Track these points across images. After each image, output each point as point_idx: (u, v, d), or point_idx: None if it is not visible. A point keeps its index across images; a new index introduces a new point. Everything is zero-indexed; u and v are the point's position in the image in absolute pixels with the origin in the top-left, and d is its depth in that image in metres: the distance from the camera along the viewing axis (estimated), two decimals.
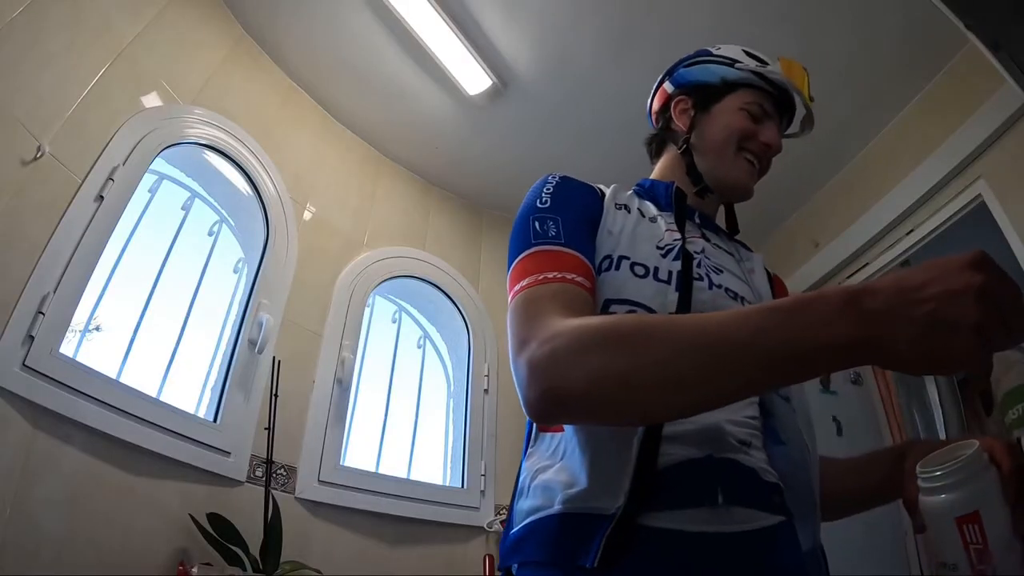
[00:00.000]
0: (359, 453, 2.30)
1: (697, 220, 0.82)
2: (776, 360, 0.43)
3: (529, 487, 0.62)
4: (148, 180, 1.91)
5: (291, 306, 2.18)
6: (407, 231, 2.77)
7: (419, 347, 2.77)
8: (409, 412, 2.57)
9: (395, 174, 2.85)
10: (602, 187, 0.80)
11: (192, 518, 1.61)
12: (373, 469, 2.29)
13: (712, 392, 0.47)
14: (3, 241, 1.41)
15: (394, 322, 2.73)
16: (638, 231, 0.72)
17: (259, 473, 1.86)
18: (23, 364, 1.38)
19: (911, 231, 2.41)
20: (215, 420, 1.87)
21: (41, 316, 1.43)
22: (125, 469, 1.55)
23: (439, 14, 2.14)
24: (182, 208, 2.11)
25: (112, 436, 1.52)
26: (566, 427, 0.62)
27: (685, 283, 0.66)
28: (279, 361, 1.99)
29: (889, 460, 0.68)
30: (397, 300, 2.77)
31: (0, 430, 1.31)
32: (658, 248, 0.71)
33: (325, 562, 1.84)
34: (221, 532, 1.63)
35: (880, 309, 0.39)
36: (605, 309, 0.63)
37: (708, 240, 0.80)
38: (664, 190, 0.83)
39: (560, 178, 0.75)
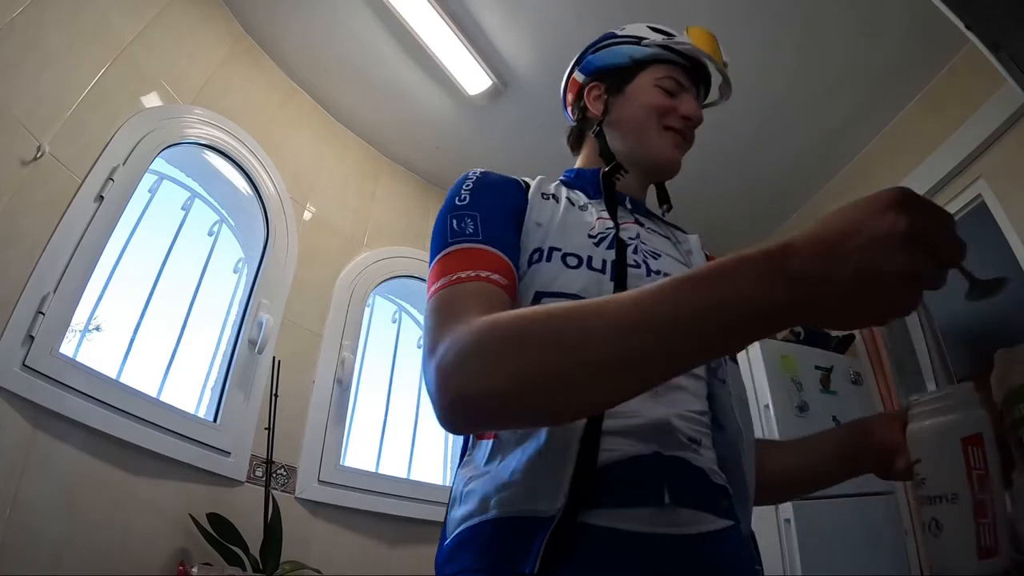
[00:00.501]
0: (359, 453, 2.30)
1: (629, 205, 0.80)
2: (708, 332, 0.40)
3: (463, 494, 0.59)
4: (148, 180, 1.91)
5: (291, 306, 2.18)
6: (407, 231, 2.77)
7: (419, 347, 2.77)
8: (409, 412, 2.57)
9: (395, 174, 2.85)
10: (527, 179, 0.77)
11: (192, 518, 1.61)
12: (373, 469, 2.29)
13: (639, 376, 0.43)
14: (3, 241, 1.41)
15: (394, 322, 2.73)
16: (568, 220, 0.70)
17: (259, 473, 1.86)
18: (23, 364, 1.38)
19: None
20: (215, 420, 1.87)
21: (41, 316, 1.43)
22: (125, 469, 1.55)
23: (439, 14, 2.14)
24: (182, 208, 2.11)
25: (112, 436, 1.52)
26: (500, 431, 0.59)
27: (620, 271, 0.64)
28: (279, 361, 1.99)
29: (846, 435, 0.67)
30: (397, 300, 2.77)
31: (0, 430, 1.31)
32: (590, 237, 0.69)
33: (325, 562, 1.84)
34: (221, 532, 1.63)
35: (805, 269, 0.37)
36: (537, 302, 0.60)
37: (642, 225, 0.78)
38: (591, 176, 0.82)
39: (480, 173, 0.73)
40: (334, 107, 2.62)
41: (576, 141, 0.91)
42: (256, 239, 2.23)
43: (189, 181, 2.16)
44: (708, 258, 0.83)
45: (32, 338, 1.41)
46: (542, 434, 0.55)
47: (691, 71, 0.85)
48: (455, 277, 0.56)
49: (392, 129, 2.72)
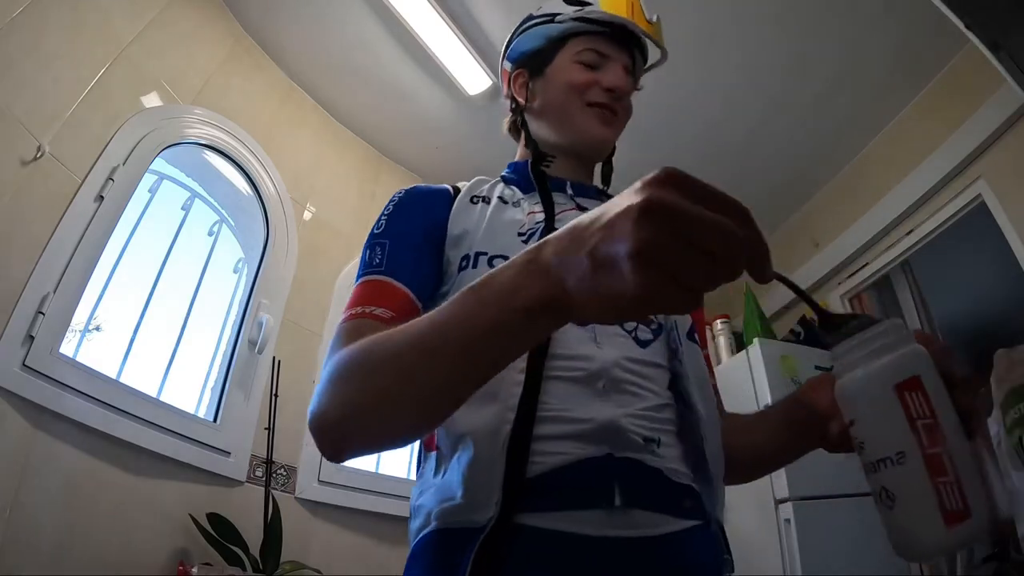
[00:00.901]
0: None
1: (570, 191, 0.77)
2: (479, 341, 0.40)
3: (414, 507, 0.60)
4: (148, 180, 1.91)
5: (291, 306, 2.18)
6: None
7: None
8: None
9: (395, 174, 2.85)
10: (461, 184, 0.77)
11: (192, 518, 1.61)
12: (373, 469, 2.29)
13: (439, 394, 0.44)
14: (3, 241, 1.41)
15: None
16: (496, 222, 0.69)
17: (259, 473, 1.86)
18: (23, 364, 1.38)
19: (911, 231, 2.41)
20: (215, 420, 1.87)
21: (41, 316, 1.43)
22: (125, 469, 1.55)
23: (439, 14, 2.14)
24: (182, 208, 2.11)
25: (112, 436, 1.52)
26: (438, 443, 0.59)
27: None
28: (279, 361, 1.99)
29: (790, 407, 0.64)
30: None
31: (0, 430, 1.31)
32: (519, 235, 0.67)
33: (325, 562, 1.84)
34: (221, 532, 1.63)
35: (553, 257, 0.34)
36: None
37: (586, 210, 0.74)
38: (523, 169, 0.79)
39: (403, 194, 0.73)
40: (334, 107, 2.62)
41: (514, 133, 0.87)
42: (256, 239, 2.23)
43: (189, 181, 2.16)
44: None
45: (32, 338, 1.41)
46: (471, 444, 0.55)
47: (616, 38, 0.78)
48: (348, 314, 0.59)
49: (392, 129, 2.72)
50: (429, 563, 0.55)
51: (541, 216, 0.69)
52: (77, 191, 1.58)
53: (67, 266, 1.52)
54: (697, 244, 0.29)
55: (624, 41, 0.79)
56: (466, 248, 0.66)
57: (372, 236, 0.68)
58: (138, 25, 1.87)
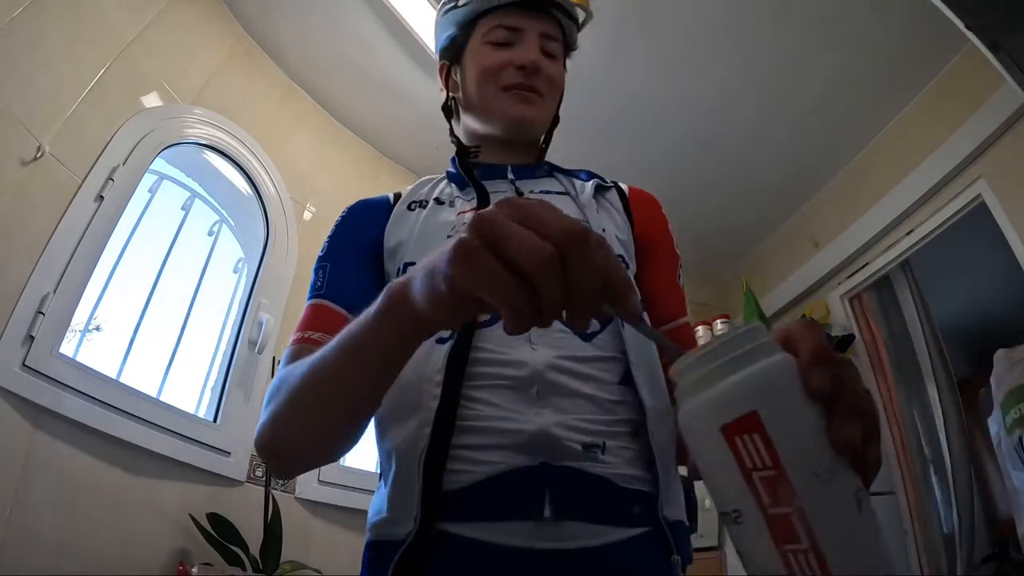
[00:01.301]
0: (359, 453, 2.30)
1: (511, 176, 0.73)
2: (346, 355, 0.46)
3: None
4: (148, 180, 1.91)
5: (291, 306, 2.18)
6: None
7: None
8: None
9: (395, 173, 2.84)
10: (406, 189, 0.76)
11: (192, 518, 1.61)
12: (373, 469, 2.29)
13: (333, 406, 0.49)
14: (3, 241, 1.41)
15: None
16: (427, 228, 0.67)
17: (259, 473, 1.86)
18: (23, 364, 1.38)
19: (911, 231, 2.41)
20: (215, 420, 1.87)
21: (41, 316, 1.43)
22: (125, 469, 1.55)
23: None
24: (182, 208, 2.11)
25: (112, 436, 1.52)
26: (379, 454, 0.61)
27: None
28: (279, 361, 1.99)
29: None
30: None
31: (0, 430, 1.31)
32: (448, 237, 0.64)
33: (325, 562, 1.84)
34: (221, 532, 1.63)
35: (409, 278, 0.39)
36: None
37: (524, 194, 0.71)
38: (452, 164, 0.76)
39: (346, 213, 0.73)
40: (334, 107, 2.62)
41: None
42: (256, 239, 2.23)
43: (189, 181, 2.16)
44: (624, 196, 0.77)
45: (32, 338, 1.41)
46: (395, 458, 0.56)
47: (527, 6, 0.73)
48: (292, 339, 0.62)
49: (392, 129, 2.72)
50: (366, 572, 0.56)
51: (471, 214, 0.65)
52: (77, 191, 1.58)
53: (67, 266, 1.52)
54: (503, 255, 0.30)
55: (537, 6, 0.74)
56: (400, 259, 0.66)
57: (318, 259, 0.69)
58: (138, 25, 1.87)
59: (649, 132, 2.55)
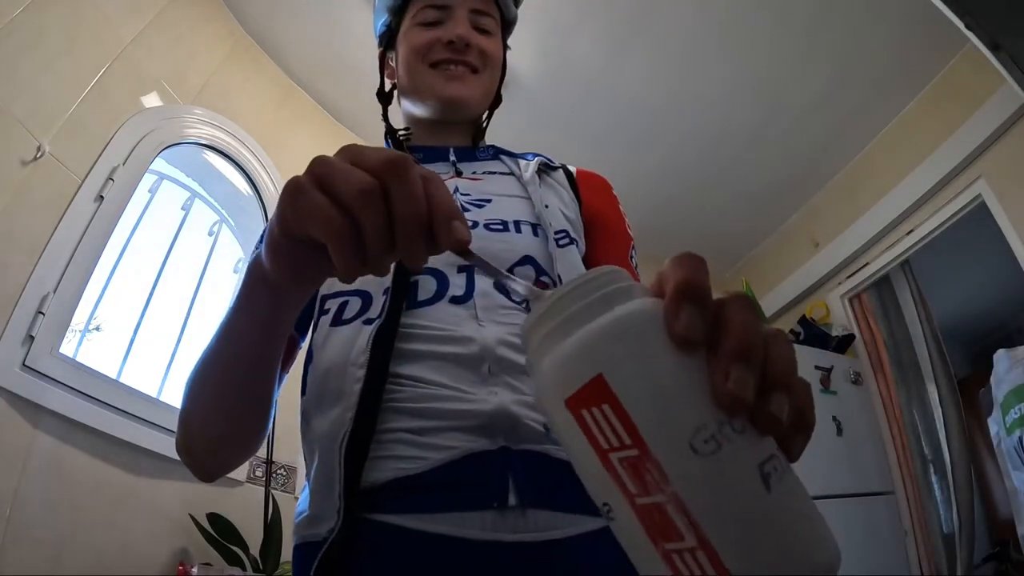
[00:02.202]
0: None
1: (452, 158, 0.72)
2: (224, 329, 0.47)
3: None
4: (148, 180, 1.91)
5: None
6: None
7: None
8: None
9: None
10: None
11: (192, 518, 1.61)
12: None
13: (230, 394, 0.50)
14: (3, 241, 1.41)
15: None
16: None
17: (259, 473, 1.86)
18: (23, 364, 1.38)
19: (911, 231, 2.41)
20: None
21: (41, 316, 1.43)
22: (125, 469, 1.55)
23: None
24: (182, 208, 2.11)
25: (112, 436, 1.52)
26: (303, 451, 0.57)
27: None
28: None
29: None
30: None
31: (0, 430, 1.31)
32: None
33: None
34: (221, 532, 1.63)
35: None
36: (321, 306, 0.59)
37: (463, 175, 0.69)
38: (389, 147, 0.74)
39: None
40: (334, 107, 2.62)
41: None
42: (256, 239, 2.22)
43: (189, 181, 2.16)
44: (571, 176, 0.75)
45: (32, 338, 1.41)
46: (317, 453, 0.51)
47: None
48: None
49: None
50: (295, 564, 0.52)
51: None
52: (77, 191, 1.58)
53: (67, 266, 1.52)
54: (327, 189, 0.30)
55: None
56: None
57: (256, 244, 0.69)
58: (138, 25, 1.87)
59: (650, 133, 2.55)
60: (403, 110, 0.77)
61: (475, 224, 0.61)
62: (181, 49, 2.03)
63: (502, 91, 0.80)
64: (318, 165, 0.30)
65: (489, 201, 0.65)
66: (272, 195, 2.26)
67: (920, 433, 2.36)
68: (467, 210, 0.63)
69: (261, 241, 0.41)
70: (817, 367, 2.36)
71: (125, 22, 1.83)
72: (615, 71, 2.31)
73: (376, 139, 2.75)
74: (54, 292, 1.47)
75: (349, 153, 0.31)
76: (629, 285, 0.24)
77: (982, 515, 2.46)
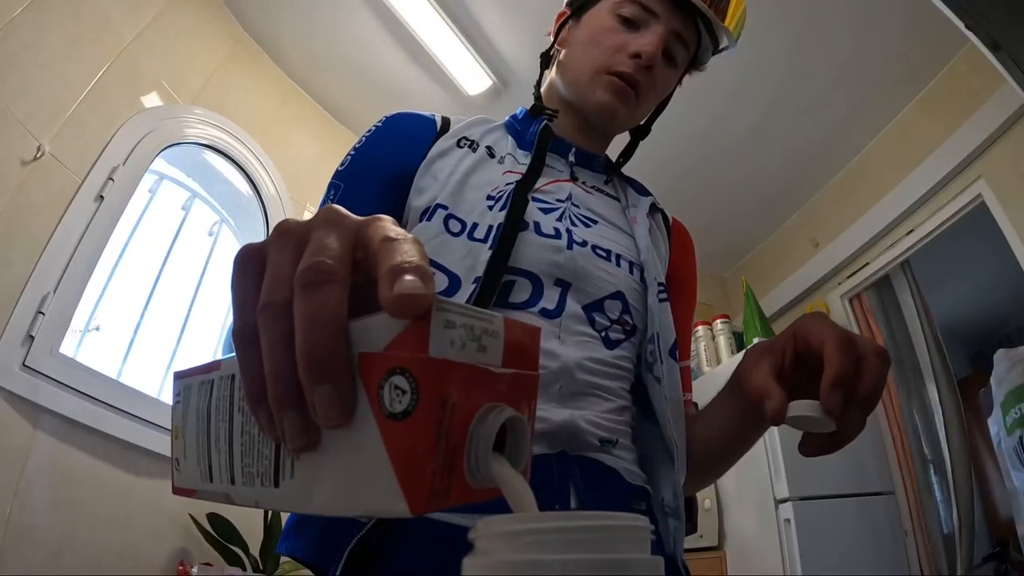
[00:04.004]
0: None
1: (572, 158, 0.68)
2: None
3: None
4: (148, 180, 1.91)
5: None
6: None
7: None
8: None
9: None
10: (459, 117, 0.68)
11: (192, 518, 1.61)
12: None
13: None
14: (3, 241, 1.41)
15: None
16: (472, 176, 0.60)
17: None
18: (23, 364, 1.38)
19: (911, 231, 2.41)
20: None
21: (41, 316, 1.43)
22: (125, 469, 1.55)
23: (439, 14, 2.14)
24: (182, 208, 2.11)
25: (112, 436, 1.52)
26: None
27: (504, 241, 0.53)
28: None
29: (736, 390, 0.54)
30: None
31: (0, 430, 1.31)
32: (489, 198, 0.58)
33: None
34: (221, 532, 1.63)
35: None
36: None
37: (577, 181, 0.67)
38: (524, 119, 0.70)
39: (381, 122, 0.66)
40: (334, 107, 2.62)
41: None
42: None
43: (189, 181, 2.16)
44: (668, 224, 0.73)
45: (32, 338, 1.41)
46: None
47: None
48: None
49: None
50: (312, 541, 0.51)
51: (516, 178, 0.60)
52: (77, 191, 1.58)
53: (67, 266, 1.52)
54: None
55: (683, 2, 0.66)
56: (430, 198, 0.58)
57: (335, 172, 0.62)
58: (138, 25, 1.87)
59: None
60: (552, 82, 0.73)
61: (584, 243, 0.59)
62: (181, 49, 2.03)
63: None
64: (271, 246, 0.24)
65: (596, 223, 0.63)
66: (272, 195, 2.26)
67: (920, 433, 2.36)
68: (575, 224, 0.61)
69: None
70: None
71: (125, 22, 1.83)
72: None
73: None
74: (54, 292, 1.47)
75: (298, 236, 0.23)
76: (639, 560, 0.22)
77: (982, 515, 2.46)
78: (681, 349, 0.66)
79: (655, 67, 0.65)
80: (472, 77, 2.37)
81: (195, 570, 1.54)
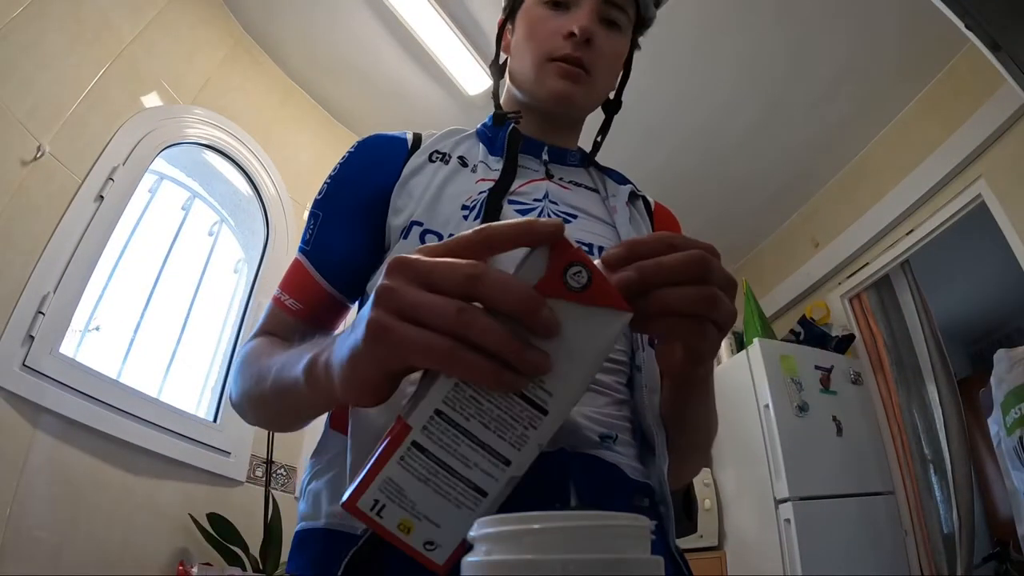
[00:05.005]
0: None
1: (545, 156, 0.67)
2: (286, 395, 0.47)
3: (305, 489, 0.56)
4: (148, 180, 1.91)
5: None
6: None
7: None
8: None
9: None
10: (431, 132, 0.69)
11: (192, 518, 1.61)
12: None
13: (281, 416, 0.55)
14: (3, 241, 1.41)
15: None
16: (446, 188, 0.61)
17: (259, 473, 1.86)
18: (23, 364, 1.38)
19: (911, 231, 2.41)
20: (215, 420, 1.87)
21: (41, 316, 1.43)
22: (125, 469, 1.55)
23: (439, 14, 2.14)
24: (182, 208, 2.11)
25: (112, 436, 1.52)
26: (349, 428, 0.54)
27: None
28: None
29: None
30: None
31: (0, 430, 1.31)
32: (463, 208, 0.58)
33: None
34: (221, 532, 1.63)
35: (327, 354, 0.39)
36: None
37: (555, 179, 0.66)
38: (492, 126, 0.69)
39: (354, 148, 0.66)
40: (334, 107, 2.62)
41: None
42: (256, 239, 2.23)
43: (189, 181, 2.16)
44: (650, 209, 0.73)
45: (32, 338, 1.41)
46: (365, 439, 0.50)
47: None
48: (274, 294, 0.62)
49: (392, 129, 2.71)
50: (313, 558, 0.51)
51: (490, 184, 0.60)
52: (77, 191, 1.58)
53: (67, 266, 1.52)
54: (409, 317, 0.31)
55: None
56: (407, 216, 0.59)
57: (315, 201, 0.63)
58: (138, 25, 1.87)
59: (650, 134, 2.55)
60: (509, 89, 0.72)
61: None
62: (181, 49, 2.03)
63: None
64: (391, 298, 0.31)
65: (576, 217, 0.63)
66: (272, 195, 2.26)
67: (920, 433, 2.36)
68: (572, 218, 0.62)
69: (307, 363, 0.41)
70: (817, 367, 2.36)
71: (125, 22, 1.83)
72: None
73: None
74: (54, 292, 1.47)
75: (416, 274, 0.31)
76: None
77: (982, 515, 2.46)
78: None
79: (594, 39, 0.63)
80: (472, 77, 2.37)
81: (195, 570, 1.54)
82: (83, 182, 1.60)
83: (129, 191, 1.75)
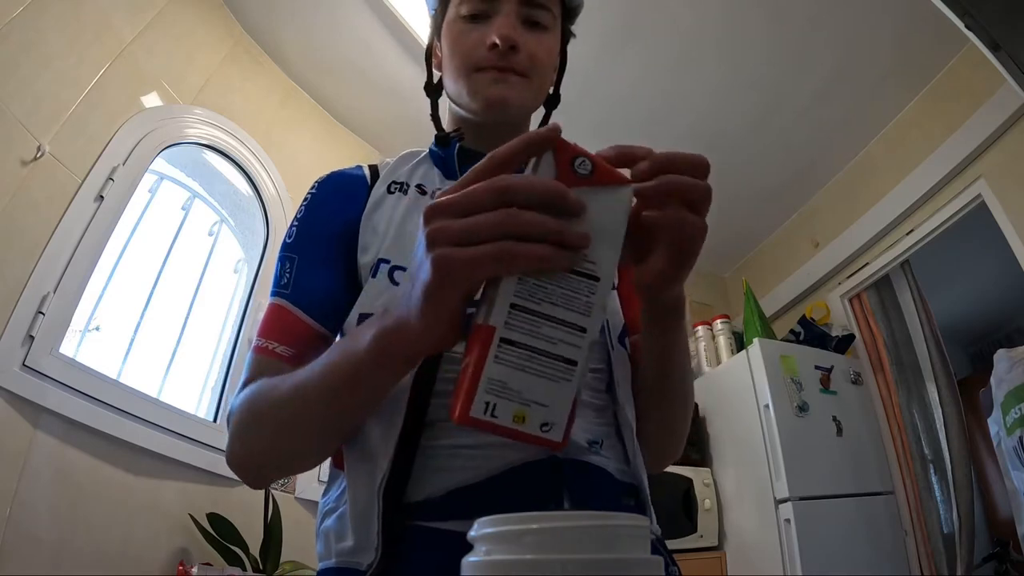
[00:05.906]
0: None
1: None
2: (341, 391, 0.46)
3: (319, 530, 0.57)
4: (148, 180, 1.91)
5: None
6: None
7: None
8: None
9: None
10: (385, 161, 0.68)
11: (192, 518, 1.61)
12: None
13: (312, 438, 0.51)
14: (3, 241, 1.41)
15: None
16: (408, 222, 0.60)
17: None
18: (23, 364, 1.38)
19: (911, 231, 2.41)
20: (215, 420, 1.87)
21: (41, 316, 1.43)
22: (125, 469, 1.55)
23: None
24: (182, 208, 2.11)
25: (112, 436, 1.52)
26: (345, 463, 0.55)
27: None
28: None
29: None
30: None
31: (0, 430, 1.31)
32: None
33: None
34: (221, 532, 1.63)
35: (389, 309, 0.41)
36: (360, 324, 0.56)
37: None
38: (439, 150, 0.68)
39: (315, 188, 0.65)
40: (334, 107, 2.62)
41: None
42: (256, 239, 2.23)
43: (189, 181, 2.16)
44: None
45: (32, 338, 1.41)
46: (357, 480, 0.52)
47: None
48: (256, 344, 0.58)
49: (392, 129, 2.72)
50: None
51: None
52: (77, 191, 1.58)
53: (67, 266, 1.52)
54: (465, 242, 0.35)
55: None
56: (373, 253, 0.59)
57: (284, 245, 0.62)
58: (138, 25, 1.87)
59: (648, 134, 2.54)
60: (449, 108, 0.71)
61: None
62: (181, 49, 2.03)
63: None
64: (442, 235, 0.35)
65: None
66: (272, 195, 2.26)
67: (920, 433, 2.36)
68: None
69: (360, 332, 0.44)
70: (817, 367, 2.36)
71: (125, 22, 1.83)
72: (611, 72, 2.31)
73: (376, 139, 2.75)
74: (54, 292, 1.47)
75: (452, 209, 0.35)
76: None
77: (982, 515, 2.46)
78: (631, 325, 0.65)
79: (519, 44, 0.61)
80: None
81: (195, 570, 1.54)
82: (83, 182, 1.60)
83: (129, 191, 1.75)
